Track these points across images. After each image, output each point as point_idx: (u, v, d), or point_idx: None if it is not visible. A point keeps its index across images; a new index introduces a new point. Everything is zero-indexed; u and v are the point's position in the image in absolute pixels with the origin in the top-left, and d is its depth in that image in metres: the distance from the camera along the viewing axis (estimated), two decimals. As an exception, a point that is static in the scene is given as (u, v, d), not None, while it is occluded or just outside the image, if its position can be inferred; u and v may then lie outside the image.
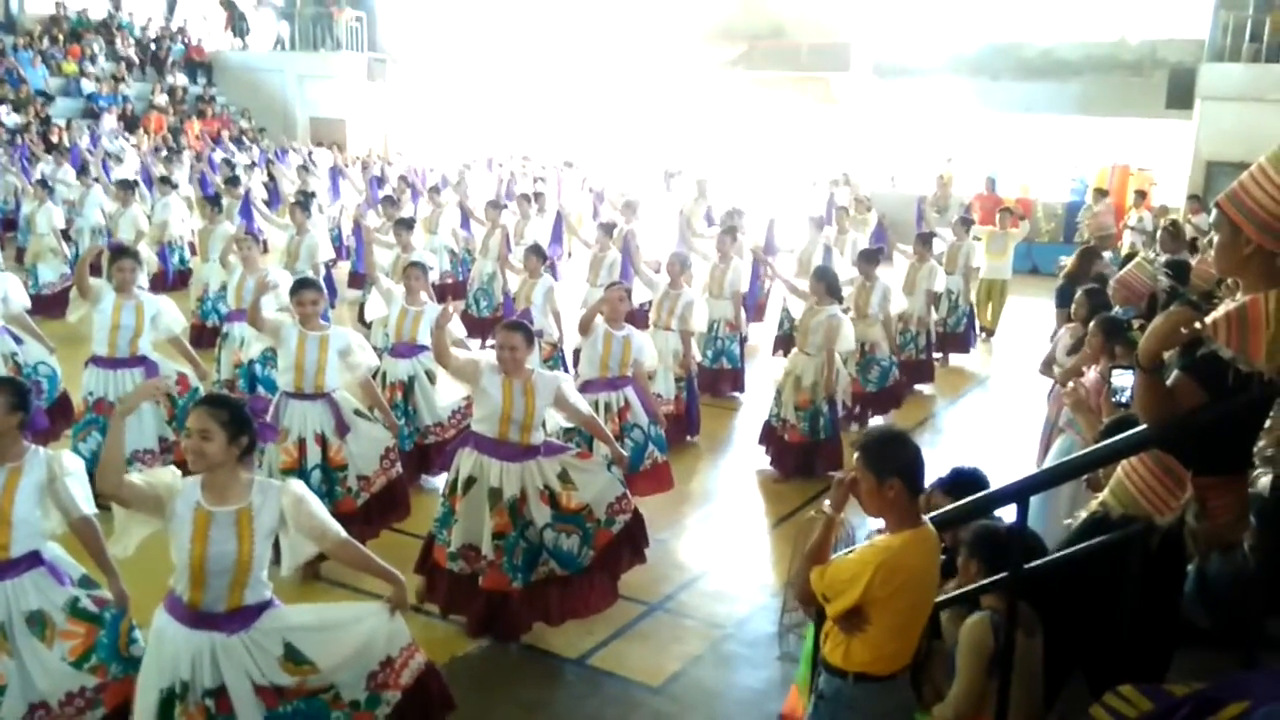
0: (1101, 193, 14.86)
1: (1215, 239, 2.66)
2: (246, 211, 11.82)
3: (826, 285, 7.09)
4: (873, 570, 2.73)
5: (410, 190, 14.53)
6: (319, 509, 3.37)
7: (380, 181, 16.44)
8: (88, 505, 3.73)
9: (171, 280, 11.92)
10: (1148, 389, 2.63)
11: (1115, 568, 3.17)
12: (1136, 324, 5.14)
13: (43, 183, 12.21)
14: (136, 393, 3.79)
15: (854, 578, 2.76)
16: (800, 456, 7.05)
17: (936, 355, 9.99)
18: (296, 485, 3.40)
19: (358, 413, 5.53)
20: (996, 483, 3.45)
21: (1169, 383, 2.64)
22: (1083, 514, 3.28)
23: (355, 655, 3.34)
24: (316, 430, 5.36)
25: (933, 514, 3.31)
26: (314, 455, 5.33)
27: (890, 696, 2.88)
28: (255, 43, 24.19)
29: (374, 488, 5.53)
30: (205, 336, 9.00)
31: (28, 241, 12.14)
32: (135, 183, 12.93)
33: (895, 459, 2.80)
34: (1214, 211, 2.63)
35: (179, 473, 3.34)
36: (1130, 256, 7.81)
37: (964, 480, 3.76)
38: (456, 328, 6.56)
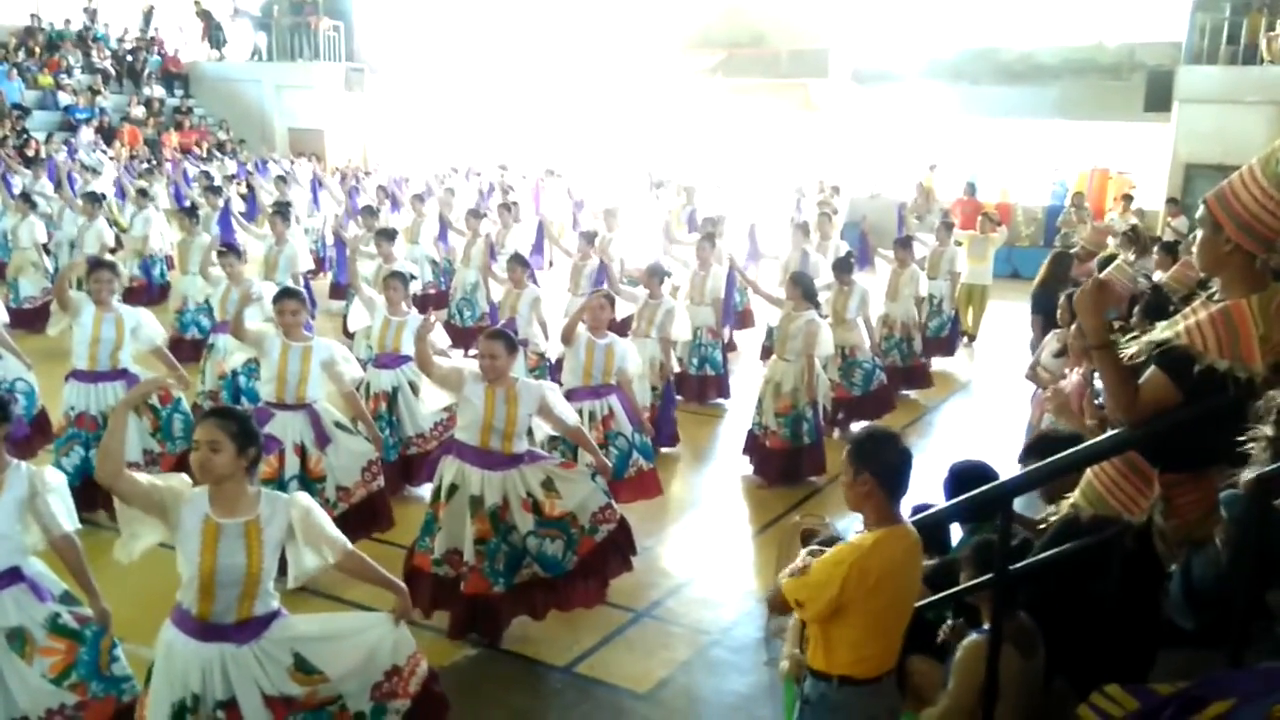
0: (1081, 196, 14.95)
1: (1199, 235, 2.69)
2: (225, 222, 11.76)
3: (803, 290, 7.10)
4: (847, 569, 2.74)
5: (390, 201, 14.47)
6: (325, 521, 3.39)
7: (357, 191, 16.38)
8: (69, 522, 3.71)
9: (154, 293, 11.91)
10: (1108, 368, 2.65)
11: (1094, 569, 3.18)
12: (1117, 325, 5.17)
13: (24, 196, 12.13)
14: (142, 385, 3.87)
15: (829, 579, 2.78)
16: (783, 463, 7.05)
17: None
18: (304, 498, 3.42)
19: (340, 425, 5.52)
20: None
21: (1142, 379, 2.66)
22: (1053, 516, 3.29)
23: (362, 665, 3.36)
24: (296, 441, 5.35)
25: (917, 516, 3.32)
26: (293, 466, 5.32)
27: (876, 700, 2.87)
28: (232, 53, 24.06)
29: (354, 499, 5.53)
30: (184, 349, 8.92)
31: (8, 255, 12.07)
32: (102, 195, 12.88)
33: (872, 456, 2.84)
34: (1201, 208, 2.66)
35: (190, 481, 3.33)
36: (1110, 259, 7.85)
37: (971, 473, 3.76)
38: (440, 337, 6.54)
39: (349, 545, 3.46)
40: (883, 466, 2.82)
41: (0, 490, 3.55)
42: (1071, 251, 9.98)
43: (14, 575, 3.59)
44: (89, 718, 3.66)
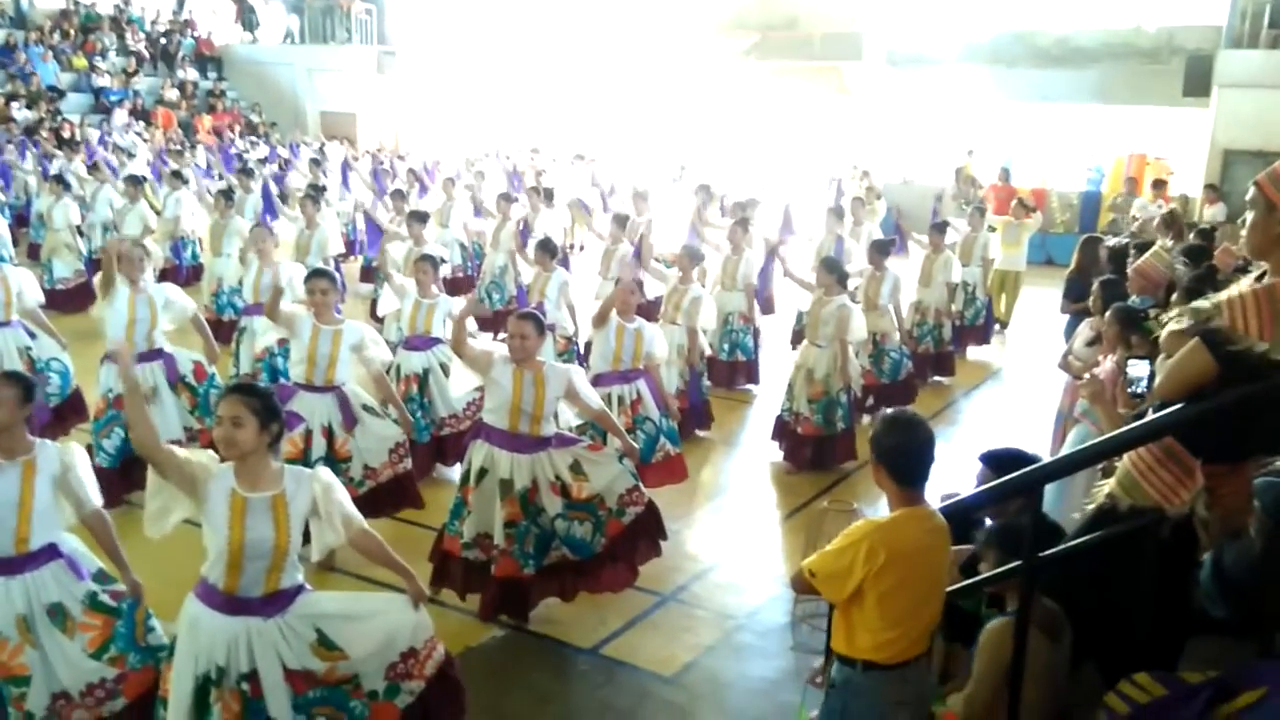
0: (1134, 183, 14.69)
1: (1249, 217, 2.63)
2: (268, 203, 11.81)
3: (835, 276, 7.05)
4: (859, 545, 2.76)
5: (418, 184, 14.50)
6: (344, 498, 3.44)
7: (384, 174, 16.42)
8: (98, 498, 3.78)
9: (185, 275, 12.01)
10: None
11: (1126, 558, 3.14)
12: (1153, 313, 5.10)
13: (59, 178, 12.20)
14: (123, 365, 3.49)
15: (841, 552, 2.80)
16: (814, 449, 7.03)
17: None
18: (326, 474, 3.46)
19: (368, 408, 5.56)
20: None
21: (1184, 349, 2.62)
22: (1090, 505, 3.26)
23: (382, 647, 3.40)
24: (324, 423, 5.40)
25: (945, 503, 3.30)
26: (319, 447, 5.36)
27: (903, 686, 2.86)
28: (265, 36, 24.22)
29: (380, 479, 5.56)
30: (221, 331, 8.98)
31: (41, 237, 12.20)
32: (144, 178, 12.98)
33: (879, 440, 2.89)
34: (1251, 189, 2.60)
35: (216, 457, 3.37)
36: (1145, 246, 7.74)
37: (1006, 459, 3.73)
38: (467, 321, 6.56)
39: (365, 525, 3.51)
40: (884, 448, 2.86)
41: (34, 469, 3.62)
42: (1124, 235, 9.86)
43: (52, 552, 3.66)
44: (128, 691, 3.72)
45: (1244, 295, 2.44)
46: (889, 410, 3.11)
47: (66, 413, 7.07)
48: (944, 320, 9.33)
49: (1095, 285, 6.02)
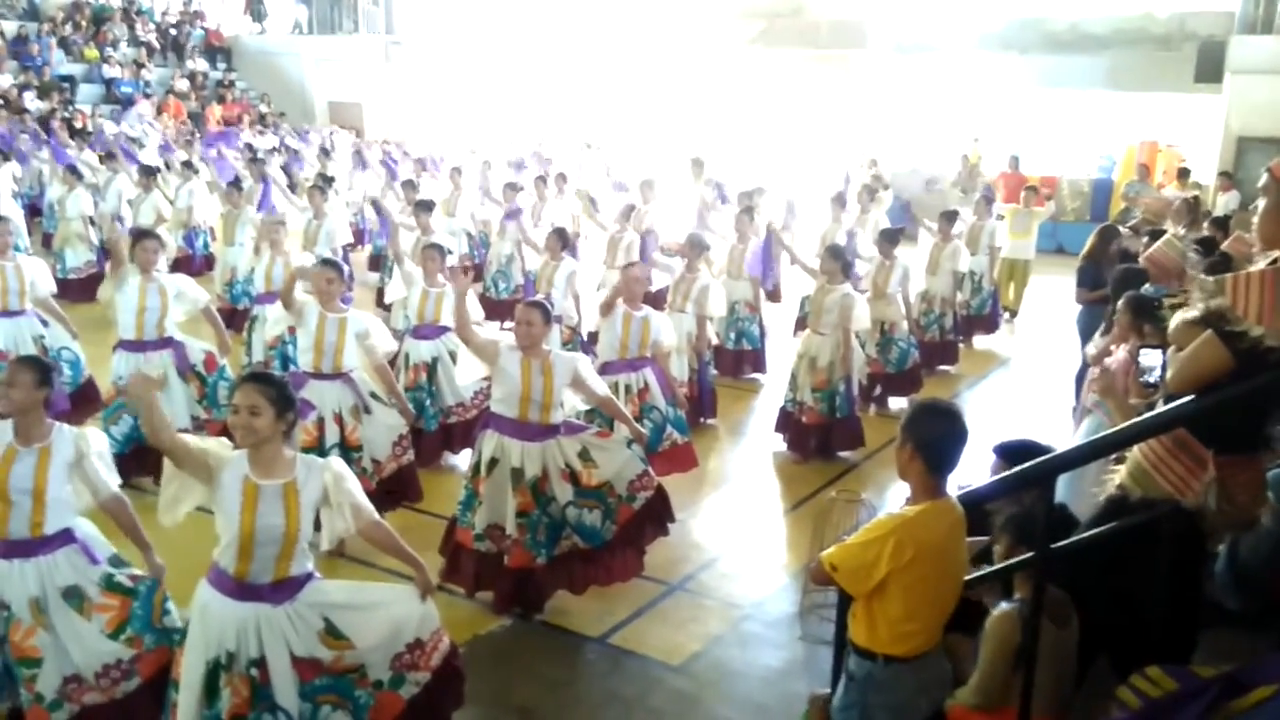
0: (1146, 169, 14.60)
1: (1261, 204, 2.59)
2: (266, 196, 11.82)
3: (838, 264, 7.01)
4: (885, 539, 2.72)
5: (423, 170, 14.48)
6: (356, 488, 3.44)
7: (394, 163, 16.40)
8: (115, 483, 3.80)
9: (198, 265, 12.04)
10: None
11: (1139, 550, 3.12)
12: (1167, 303, 5.05)
13: (72, 168, 12.23)
14: (140, 388, 3.34)
15: (866, 546, 2.76)
16: (819, 437, 7.00)
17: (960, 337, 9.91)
18: (337, 463, 3.47)
19: (373, 395, 5.57)
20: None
21: (1197, 341, 2.59)
22: (1102, 496, 3.23)
23: (388, 637, 3.41)
24: (335, 409, 5.41)
25: (958, 494, 3.28)
26: (332, 434, 5.38)
27: (923, 674, 2.84)
28: (273, 27, 24.24)
29: (384, 472, 5.58)
30: (234, 319, 8.99)
31: (54, 226, 12.24)
32: (158, 169, 13.00)
33: (918, 429, 2.82)
34: (1264, 176, 2.56)
35: (229, 443, 3.38)
36: (1159, 233, 7.67)
37: (1020, 450, 3.70)
38: (474, 309, 6.56)
39: (375, 515, 3.50)
40: (923, 438, 2.80)
41: (49, 454, 3.63)
42: (1130, 224, 9.79)
43: (66, 536, 3.68)
44: (143, 670, 3.74)
45: (1249, 274, 2.40)
46: (924, 399, 3.05)
47: (79, 402, 7.09)
48: (947, 309, 9.29)
49: (1111, 274, 5.97)
